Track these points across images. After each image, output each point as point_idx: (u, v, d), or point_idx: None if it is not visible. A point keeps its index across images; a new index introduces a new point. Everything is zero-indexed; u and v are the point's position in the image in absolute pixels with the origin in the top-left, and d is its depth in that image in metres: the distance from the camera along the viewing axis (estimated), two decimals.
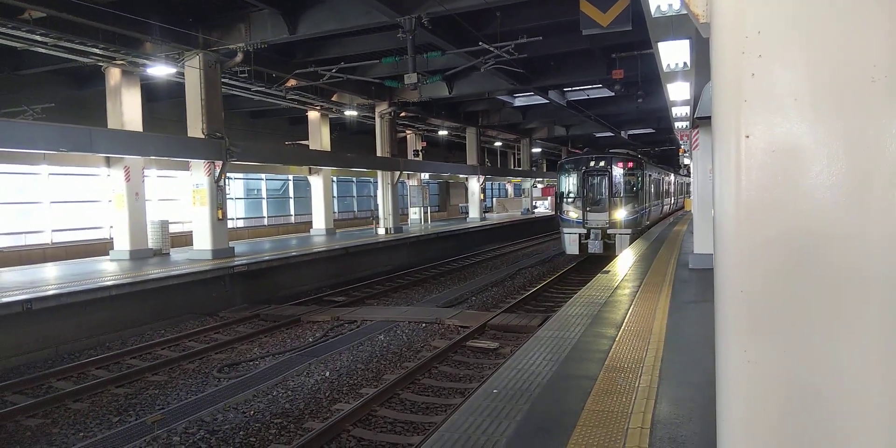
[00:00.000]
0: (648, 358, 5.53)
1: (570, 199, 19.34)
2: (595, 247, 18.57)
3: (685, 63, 6.52)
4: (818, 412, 1.42)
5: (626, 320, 7.09)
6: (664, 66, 6.63)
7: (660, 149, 39.39)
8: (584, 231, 18.87)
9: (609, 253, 17.90)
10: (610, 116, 28.79)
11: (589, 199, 19.02)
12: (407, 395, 7.54)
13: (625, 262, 12.42)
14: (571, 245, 19.09)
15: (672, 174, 33.95)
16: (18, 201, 17.56)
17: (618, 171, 18.88)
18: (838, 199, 1.37)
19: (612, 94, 20.77)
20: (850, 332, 1.39)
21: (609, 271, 11.09)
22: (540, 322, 10.26)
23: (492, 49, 13.13)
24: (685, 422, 4.02)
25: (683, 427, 3.94)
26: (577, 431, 3.90)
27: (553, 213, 20.89)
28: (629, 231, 18.31)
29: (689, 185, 37.68)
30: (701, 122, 11.07)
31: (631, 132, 33.60)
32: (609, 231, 18.63)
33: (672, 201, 34.60)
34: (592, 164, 19.22)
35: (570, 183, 19.51)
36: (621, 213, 18.53)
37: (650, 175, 21.24)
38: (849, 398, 1.40)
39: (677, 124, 12.83)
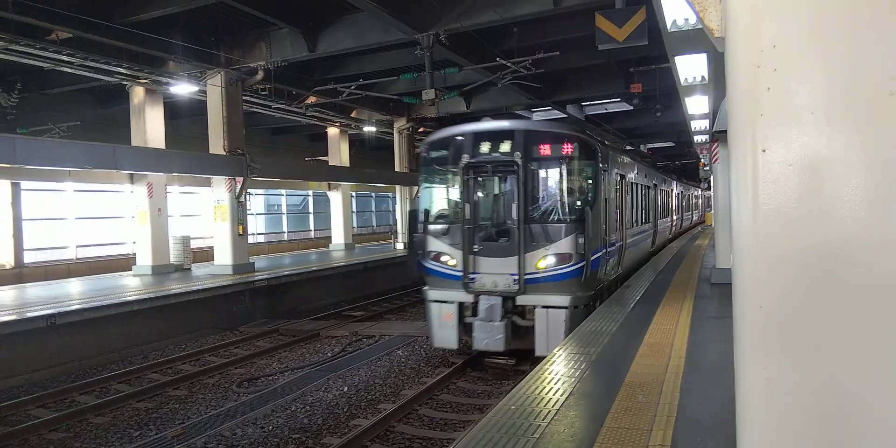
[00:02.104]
0: (669, 374, 5.45)
1: (438, 228, 9.19)
2: (488, 336, 8.43)
3: (703, 77, 6.51)
4: (839, 431, 1.39)
5: (646, 336, 7.00)
6: (681, 80, 6.63)
7: (681, 162, 39.16)
8: (469, 299, 8.75)
9: (522, 346, 8.66)
10: (629, 130, 28.67)
11: (480, 228, 8.91)
12: (425, 410, 7.51)
13: (644, 277, 12.28)
14: (443, 326, 8.96)
15: (674, 181, 22.77)
16: (44, 217, 17.90)
17: (545, 166, 9.01)
18: (857, 212, 1.35)
19: (631, 108, 20.74)
20: (874, 348, 1.35)
21: (629, 286, 10.98)
22: None
23: (509, 64, 13.18)
24: (706, 439, 3.95)
25: (704, 445, 3.87)
26: None
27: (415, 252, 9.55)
28: (566, 300, 8.40)
29: (696, 196, 37.34)
30: (720, 135, 10.99)
31: (651, 145, 33.40)
32: (521, 300, 8.57)
33: (675, 220, 22.93)
34: (486, 148, 8.85)
35: (439, 192, 9.67)
36: (550, 259, 8.47)
37: (622, 175, 10.87)
38: (873, 417, 1.36)
39: (697, 138, 12.79)
